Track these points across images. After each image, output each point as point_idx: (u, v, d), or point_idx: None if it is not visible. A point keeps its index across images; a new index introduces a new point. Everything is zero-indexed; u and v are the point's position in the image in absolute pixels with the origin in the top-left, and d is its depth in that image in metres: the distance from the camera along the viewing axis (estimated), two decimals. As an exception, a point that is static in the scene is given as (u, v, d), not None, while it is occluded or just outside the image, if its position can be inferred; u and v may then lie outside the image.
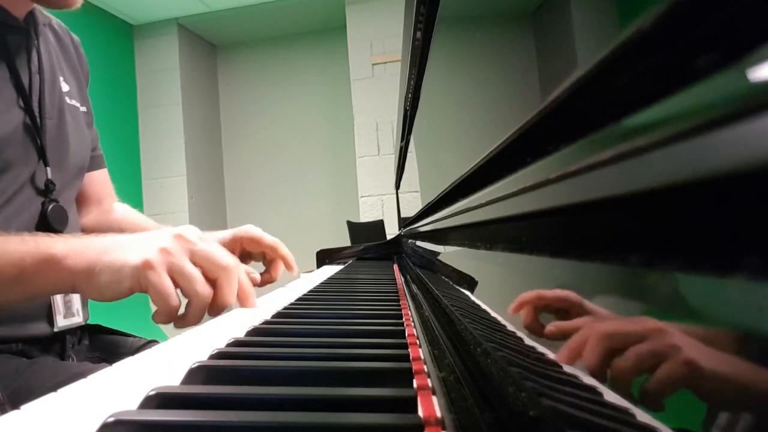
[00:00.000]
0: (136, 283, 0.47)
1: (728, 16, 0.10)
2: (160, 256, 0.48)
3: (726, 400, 0.09)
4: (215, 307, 0.51)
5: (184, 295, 0.49)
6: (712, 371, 0.10)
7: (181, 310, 0.50)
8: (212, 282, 0.51)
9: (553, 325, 0.19)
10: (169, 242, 0.49)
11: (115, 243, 0.50)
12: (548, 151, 0.19)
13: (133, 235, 0.52)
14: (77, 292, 0.50)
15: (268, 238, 0.75)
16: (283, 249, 0.75)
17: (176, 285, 0.48)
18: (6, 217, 0.65)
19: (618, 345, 0.14)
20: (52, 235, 0.53)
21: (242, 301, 0.53)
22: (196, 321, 0.50)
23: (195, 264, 0.50)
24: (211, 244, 0.52)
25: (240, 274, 0.54)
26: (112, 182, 0.95)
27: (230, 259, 0.52)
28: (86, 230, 0.86)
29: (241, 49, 3.54)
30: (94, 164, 0.88)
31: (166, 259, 0.48)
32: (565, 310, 0.18)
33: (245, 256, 0.78)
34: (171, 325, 0.49)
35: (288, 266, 0.75)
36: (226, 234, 0.77)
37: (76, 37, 0.88)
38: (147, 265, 0.47)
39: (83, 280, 0.49)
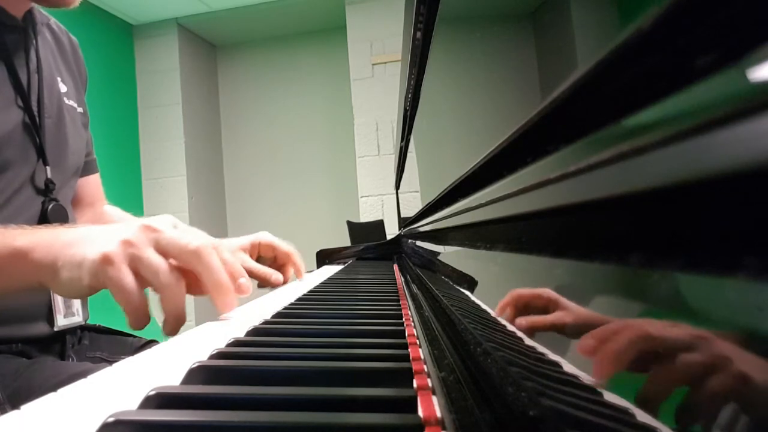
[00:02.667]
0: (95, 279, 0.43)
1: (728, 16, 0.10)
2: (121, 248, 0.43)
3: (726, 400, 0.09)
4: (215, 300, 0.46)
5: (153, 290, 0.44)
6: (712, 372, 0.10)
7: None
8: (190, 273, 0.46)
9: (537, 320, 0.20)
10: (133, 233, 0.45)
11: (81, 236, 0.46)
12: (548, 151, 0.19)
13: (101, 226, 0.48)
14: (45, 288, 0.47)
15: (284, 246, 0.79)
16: (297, 257, 0.80)
17: (142, 281, 0.44)
18: (6, 216, 0.65)
19: (614, 343, 0.14)
20: (25, 227, 0.49)
21: (216, 297, 0.47)
22: (176, 317, 0.45)
23: (164, 254, 0.45)
24: (185, 230, 0.48)
25: (224, 254, 0.48)
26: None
27: (202, 240, 0.46)
28: None
29: (241, 49, 3.54)
30: (89, 169, 0.89)
31: (127, 251, 0.43)
32: (544, 307, 0.19)
33: (257, 260, 0.80)
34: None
35: (298, 274, 0.80)
36: (245, 241, 0.78)
37: (74, 39, 0.88)
38: (105, 260, 0.42)
39: (48, 276, 0.45)
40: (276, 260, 0.80)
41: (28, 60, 0.72)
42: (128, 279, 0.43)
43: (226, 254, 0.49)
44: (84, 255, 0.44)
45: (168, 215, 0.50)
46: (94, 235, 0.46)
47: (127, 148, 3.04)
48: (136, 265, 0.43)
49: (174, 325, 0.45)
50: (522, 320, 0.21)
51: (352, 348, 0.33)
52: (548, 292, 0.19)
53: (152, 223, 0.46)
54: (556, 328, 0.18)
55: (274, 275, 0.69)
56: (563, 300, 0.18)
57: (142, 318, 0.44)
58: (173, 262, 0.46)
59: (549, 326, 0.19)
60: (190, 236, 0.46)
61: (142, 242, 0.44)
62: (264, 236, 0.79)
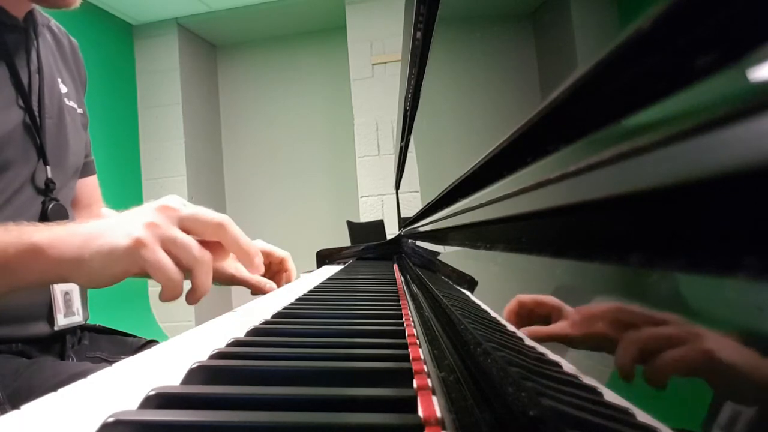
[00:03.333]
0: (132, 264, 0.46)
1: (728, 16, 0.10)
2: (149, 231, 0.46)
3: (725, 399, 0.09)
4: (246, 265, 0.51)
5: (184, 264, 0.47)
6: (711, 371, 0.10)
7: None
8: (212, 244, 0.50)
9: (543, 329, 0.20)
10: (154, 215, 0.48)
11: (100, 227, 0.49)
12: (548, 151, 0.19)
13: (115, 216, 0.51)
14: (66, 281, 0.49)
15: (279, 252, 0.79)
16: (291, 262, 0.80)
17: (173, 257, 0.47)
18: (6, 216, 0.65)
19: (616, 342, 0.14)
20: (37, 223, 0.51)
21: (246, 261, 0.52)
22: (206, 289, 0.49)
23: (186, 230, 0.48)
24: (197, 207, 0.51)
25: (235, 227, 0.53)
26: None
27: (221, 216, 0.51)
28: None
29: (241, 49, 3.54)
30: (87, 170, 0.89)
31: (156, 233, 0.46)
32: (547, 313, 0.19)
33: None
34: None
35: (288, 278, 0.81)
36: None
37: (74, 41, 0.88)
38: (138, 244, 0.45)
39: (72, 269, 0.47)
40: (270, 267, 0.80)
41: (29, 60, 0.72)
42: (165, 257, 0.46)
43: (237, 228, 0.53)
44: (113, 244, 0.46)
45: (174, 195, 0.52)
46: (114, 224, 0.48)
47: (127, 148, 3.04)
48: (167, 245, 0.47)
49: (200, 295, 0.49)
50: (527, 330, 0.21)
51: (352, 348, 0.33)
52: (552, 299, 0.19)
53: (166, 203, 0.49)
54: (561, 338, 0.18)
55: (268, 284, 0.72)
56: (567, 308, 0.17)
57: (178, 292, 0.47)
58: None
59: (554, 336, 0.19)
60: (209, 211, 0.50)
61: (165, 223, 0.47)
62: (260, 243, 0.78)
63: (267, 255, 0.78)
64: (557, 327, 0.18)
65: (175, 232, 0.47)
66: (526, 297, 0.22)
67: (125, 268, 0.46)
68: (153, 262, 0.45)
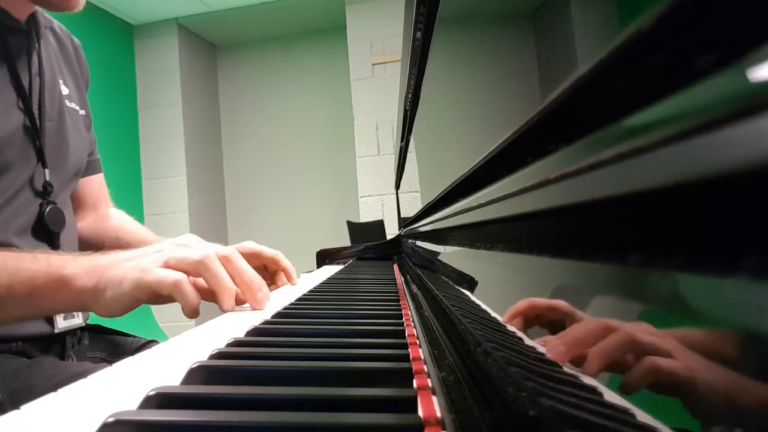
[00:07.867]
0: (137, 290, 0.49)
1: (728, 16, 0.10)
2: (157, 257, 0.50)
3: (725, 400, 0.09)
4: (219, 300, 0.53)
5: (209, 285, 0.52)
6: (709, 371, 0.10)
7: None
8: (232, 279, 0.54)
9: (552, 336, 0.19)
10: (169, 249, 0.52)
11: (117, 259, 0.52)
12: (548, 151, 0.19)
13: (130, 251, 0.54)
14: (87, 310, 0.52)
15: (268, 252, 0.75)
16: (284, 261, 0.76)
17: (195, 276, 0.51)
18: (5, 218, 0.65)
19: (621, 350, 0.14)
20: (62, 253, 0.54)
21: (220, 296, 0.53)
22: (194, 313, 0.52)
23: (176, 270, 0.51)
24: (204, 246, 0.54)
25: (239, 262, 0.55)
26: (110, 185, 0.96)
27: (204, 251, 0.53)
28: (83, 234, 0.86)
29: (241, 49, 3.54)
30: (91, 169, 0.89)
31: (161, 258, 0.50)
32: (559, 320, 0.18)
33: None
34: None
35: (288, 277, 0.76)
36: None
37: (77, 41, 0.88)
38: (144, 272, 0.48)
39: (91, 299, 0.50)
40: (266, 268, 0.76)
41: (30, 63, 0.72)
42: (174, 273, 0.49)
43: (242, 263, 0.55)
44: (122, 274, 0.49)
45: (192, 235, 0.58)
46: (129, 257, 0.52)
47: (127, 148, 3.04)
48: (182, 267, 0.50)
49: (193, 314, 0.52)
50: (533, 331, 0.21)
51: (352, 348, 0.33)
52: (564, 304, 0.18)
53: (183, 242, 0.54)
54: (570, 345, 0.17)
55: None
56: (579, 314, 0.17)
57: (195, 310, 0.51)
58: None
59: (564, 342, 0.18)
60: (193, 250, 0.53)
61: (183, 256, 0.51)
62: (248, 246, 0.74)
63: (257, 256, 0.74)
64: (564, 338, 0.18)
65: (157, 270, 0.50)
66: (540, 301, 0.21)
67: (135, 295, 0.49)
68: (159, 279, 0.48)
